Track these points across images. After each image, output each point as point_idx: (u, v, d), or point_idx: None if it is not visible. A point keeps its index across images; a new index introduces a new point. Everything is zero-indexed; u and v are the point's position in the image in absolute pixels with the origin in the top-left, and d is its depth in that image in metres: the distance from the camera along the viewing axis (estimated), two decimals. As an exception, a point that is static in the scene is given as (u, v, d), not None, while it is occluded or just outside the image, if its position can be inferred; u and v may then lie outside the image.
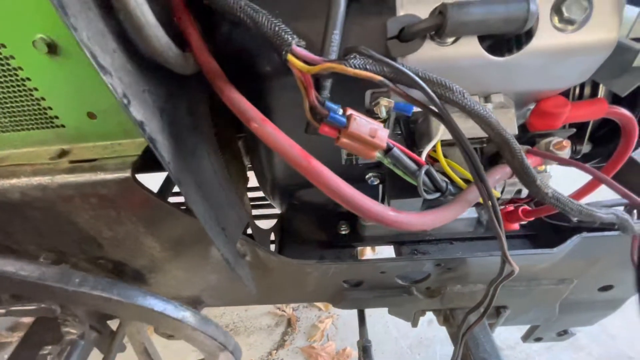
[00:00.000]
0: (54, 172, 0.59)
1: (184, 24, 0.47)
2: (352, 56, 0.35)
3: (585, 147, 0.78)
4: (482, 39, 0.42)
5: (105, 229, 0.69)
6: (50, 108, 0.58)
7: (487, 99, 0.48)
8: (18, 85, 0.55)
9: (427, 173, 0.46)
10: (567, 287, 0.87)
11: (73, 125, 0.60)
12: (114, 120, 0.59)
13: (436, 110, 0.35)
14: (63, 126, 0.61)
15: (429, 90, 0.34)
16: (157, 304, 0.43)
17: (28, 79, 0.54)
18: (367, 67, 0.35)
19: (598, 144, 0.78)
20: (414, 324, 1.00)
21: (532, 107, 0.56)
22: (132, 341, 0.74)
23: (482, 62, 0.42)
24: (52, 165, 0.61)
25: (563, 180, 0.72)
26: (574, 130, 0.55)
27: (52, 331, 0.83)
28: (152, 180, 0.72)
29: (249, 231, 0.97)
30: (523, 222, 0.86)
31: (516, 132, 0.50)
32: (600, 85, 0.61)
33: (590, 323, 1.04)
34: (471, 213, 0.93)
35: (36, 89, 0.56)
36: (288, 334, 1.70)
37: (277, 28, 0.36)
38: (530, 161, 0.51)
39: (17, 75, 0.54)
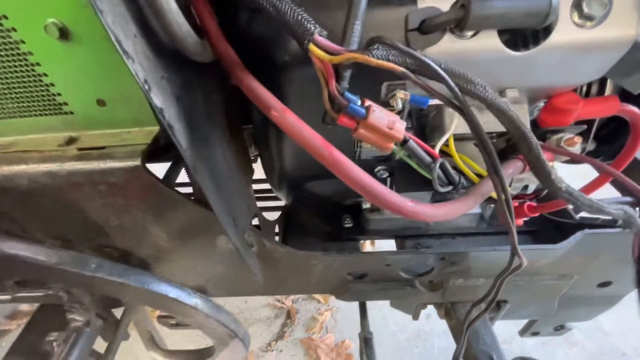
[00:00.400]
0: (62, 159, 0.59)
1: (201, 11, 0.47)
2: (375, 46, 0.35)
3: (590, 145, 0.80)
4: (499, 33, 0.43)
5: (112, 217, 0.69)
6: (59, 94, 0.58)
7: (501, 93, 0.48)
8: (27, 70, 0.54)
9: (441, 166, 0.47)
10: (567, 282, 0.89)
11: (82, 112, 0.60)
12: (123, 108, 0.59)
13: (457, 103, 0.35)
14: (72, 113, 0.60)
15: (452, 83, 0.34)
16: (171, 291, 0.44)
17: (38, 64, 0.54)
18: (390, 57, 0.35)
19: (602, 142, 0.79)
20: (415, 316, 1.02)
21: (541, 104, 0.56)
22: (138, 329, 0.74)
23: (500, 56, 0.42)
24: (61, 152, 0.61)
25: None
26: (585, 126, 0.55)
27: (58, 318, 0.83)
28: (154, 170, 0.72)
29: (255, 222, 0.97)
30: (526, 218, 0.87)
31: (528, 127, 0.51)
32: (608, 82, 0.62)
33: (588, 318, 1.06)
34: (475, 209, 0.94)
35: (45, 75, 0.55)
36: (287, 326, 1.71)
37: (299, 17, 0.36)
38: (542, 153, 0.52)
39: (26, 60, 0.53)
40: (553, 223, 0.97)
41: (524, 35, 0.43)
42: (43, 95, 0.58)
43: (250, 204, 0.74)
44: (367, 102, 0.40)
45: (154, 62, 0.40)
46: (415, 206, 0.38)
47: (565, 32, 0.40)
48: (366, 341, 1.00)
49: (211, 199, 0.49)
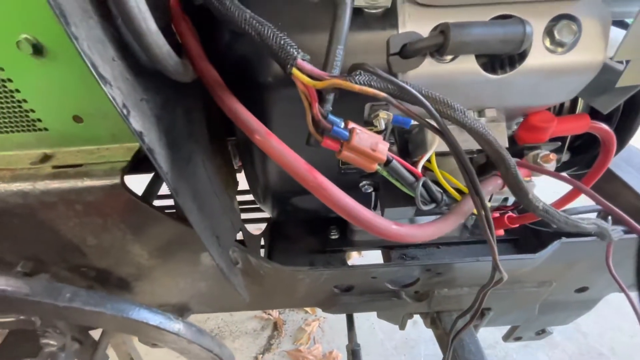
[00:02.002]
0: (35, 178, 0.57)
1: (182, 31, 0.46)
2: (357, 72, 0.35)
3: (565, 156, 0.83)
4: (477, 58, 0.44)
5: (90, 236, 0.67)
6: (32, 111, 0.56)
7: (480, 113, 0.50)
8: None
9: (424, 185, 0.47)
10: (547, 289, 0.91)
11: (57, 128, 0.58)
12: (101, 125, 0.57)
13: (437, 127, 0.36)
14: (46, 129, 0.58)
15: (432, 108, 0.35)
16: (152, 318, 0.42)
17: (9, 80, 0.52)
18: (372, 83, 0.36)
19: (576, 153, 0.82)
20: (402, 327, 1.02)
21: (519, 120, 0.58)
22: (117, 352, 0.72)
23: (478, 79, 0.43)
24: (34, 170, 0.58)
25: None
26: (559, 143, 0.58)
27: (30, 342, 0.79)
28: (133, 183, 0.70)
29: (240, 236, 0.96)
30: (510, 228, 0.89)
31: (507, 144, 0.52)
32: (579, 101, 0.65)
33: (566, 322, 1.09)
34: (458, 218, 0.95)
35: (18, 91, 0.53)
36: (274, 338, 1.69)
37: (282, 42, 0.36)
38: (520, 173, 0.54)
39: None
40: (533, 231, 1.00)
41: (501, 59, 0.45)
42: (15, 112, 0.56)
43: (234, 220, 0.73)
44: (351, 125, 0.40)
45: (133, 84, 0.39)
46: (399, 229, 0.38)
47: (539, 57, 0.42)
48: (354, 353, 1.00)
49: (193, 219, 0.48)
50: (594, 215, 0.81)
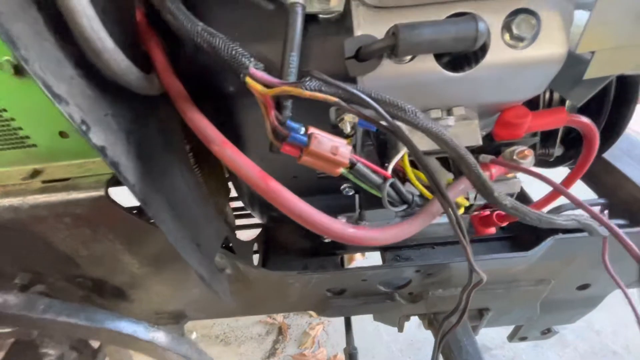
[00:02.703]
0: (25, 193, 0.59)
1: (149, 45, 0.47)
2: (307, 79, 0.36)
3: (558, 150, 0.81)
4: (441, 56, 0.44)
5: (81, 247, 0.68)
6: (20, 128, 0.58)
7: (449, 111, 0.49)
8: None
9: (393, 186, 0.47)
10: (546, 287, 0.89)
11: (45, 144, 0.60)
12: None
13: (391, 128, 0.36)
14: (35, 146, 0.60)
15: (382, 110, 0.35)
16: (125, 327, 0.43)
17: None
18: (323, 89, 0.36)
19: (570, 146, 0.80)
20: (400, 329, 1.01)
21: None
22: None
23: (440, 77, 0.43)
24: (24, 185, 0.60)
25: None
26: (538, 139, 0.56)
27: (32, 352, 0.81)
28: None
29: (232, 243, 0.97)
30: (501, 226, 0.87)
31: (480, 142, 0.51)
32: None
33: (572, 321, 1.06)
34: (450, 218, 0.94)
35: (5, 110, 0.55)
36: (279, 342, 1.69)
37: (234, 52, 0.37)
38: (495, 170, 0.53)
39: None
40: (530, 228, 0.97)
41: (466, 56, 0.44)
42: (4, 130, 0.58)
43: (219, 228, 0.73)
44: (311, 130, 0.41)
45: (96, 100, 0.41)
46: (356, 232, 0.38)
47: (499, 53, 0.42)
48: (351, 356, 0.99)
49: (165, 229, 0.49)
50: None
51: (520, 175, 0.62)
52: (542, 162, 0.90)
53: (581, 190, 0.99)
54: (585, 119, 0.54)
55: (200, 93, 0.47)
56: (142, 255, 0.73)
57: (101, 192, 0.57)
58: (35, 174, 0.63)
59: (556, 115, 0.53)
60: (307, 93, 0.35)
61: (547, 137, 0.80)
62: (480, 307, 0.95)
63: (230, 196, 1.02)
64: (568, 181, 0.62)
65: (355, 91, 0.34)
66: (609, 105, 0.67)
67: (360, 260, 1.93)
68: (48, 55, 0.34)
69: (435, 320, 0.96)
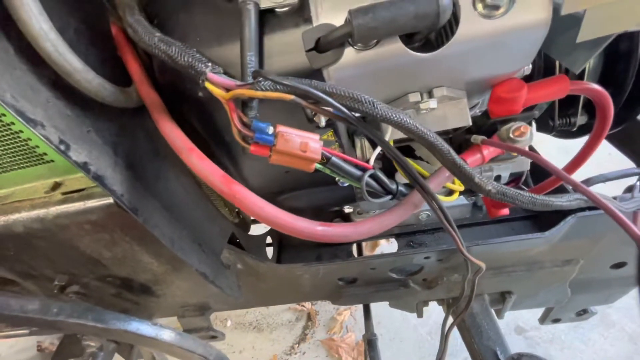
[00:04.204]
0: (49, 205, 0.65)
1: (126, 58, 0.49)
2: (260, 79, 0.35)
3: (581, 119, 0.73)
4: (411, 36, 0.41)
5: (104, 250, 0.74)
6: (37, 147, 0.63)
7: (430, 93, 0.46)
8: (6, 130, 0.60)
9: (374, 177, 0.45)
10: (574, 267, 0.83)
11: (60, 159, 0.65)
12: (94, 152, 0.63)
13: (351, 121, 0.35)
14: (52, 161, 0.65)
15: (337, 104, 0.33)
16: (130, 325, 0.47)
17: (12, 122, 0.59)
18: (278, 87, 0.35)
19: (594, 114, 0.72)
20: (419, 314, 0.99)
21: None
22: (142, 350, 0.80)
23: (409, 59, 0.40)
24: (47, 198, 0.66)
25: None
26: (536, 113, 0.51)
27: (76, 344, 0.91)
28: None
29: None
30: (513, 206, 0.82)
31: (469, 122, 0.48)
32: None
33: (610, 301, 0.98)
34: (463, 200, 0.89)
35: (21, 131, 0.60)
36: (309, 328, 1.74)
37: (190, 59, 0.37)
38: (488, 151, 0.49)
39: (2, 121, 0.59)
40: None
41: (440, 34, 0.41)
42: (24, 150, 0.63)
43: (223, 225, 0.76)
44: (279, 128, 0.40)
45: (75, 119, 0.43)
46: (325, 229, 0.37)
47: (473, 25, 0.38)
48: (370, 343, 1.00)
49: (159, 233, 0.51)
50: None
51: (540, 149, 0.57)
52: (563, 132, 0.82)
53: (620, 159, 0.90)
54: (593, 85, 0.48)
55: (176, 100, 0.48)
56: (158, 255, 0.78)
57: (111, 200, 0.61)
58: (56, 186, 0.69)
59: (558, 84, 0.47)
60: (260, 93, 0.34)
61: (569, 105, 0.72)
62: (502, 291, 0.91)
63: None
64: (582, 155, 0.57)
65: (305, 87, 0.33)
66: (630, 79, 0.59)
67: (385, 245, 1.92)
68: (19, 82, 0.36)
69: (454, 305, 0.94)
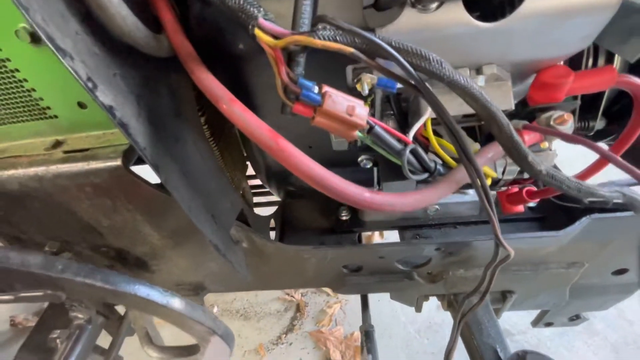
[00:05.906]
0: (48, 163, 0.60)
1: (158, 5, 0.45)
2: (320, 27, 0.33)
3: (599, 123, 0.73)
4: (472, 5, 0.39)
5: (103, 217, 0.70)
6: (41, 99, 0.58)
7: (478, 70, 0.44)
8: (8, 77, 0.55)
9: (414, 152, 0.44)
10: (578, 271, 0.83)
11: (65, 115, 0.61)
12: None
13: (413, 82, 0.33)
14: (56, 117, 0.61)
15: (403, 61, 0.31)
16: (140, 290, 0.44)
17: (17, 69, 0.54)
18: (338, 38, 0.33)
19: (613, 119, 0.72)
20: (418, 309, 0.99)
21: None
22: (134, 325, 0.76)
23: (469, 29, 0.38)
24: (47, 156, 0.62)
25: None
26: (579, 102, 0.50)
27: (63, 316, 0.86)
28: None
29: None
30: (530, 205, 0.81)
31: (512, 106, 0.47)
32: (616, 55, 0.56)
33: (604, 308, 1.00)
34: (474, 196, 0.89)
35: (26, 80, 0.56)
36: (297, 319, 1.72)
37: (242, 1, 0.34)
38: (529, 137, 0.48)
39: (6, 66, 0.54)
40: (562, 208, 0.91)
41: (501, 5, 0.39)
42: (27, 101, 0.59)
43: (234, 201, 0.73)
44: (325, 88, 0.38)
45: (104, 58, 0.39)
46: (373, 196, 0.35)
47: (541, -4, 0.36)
48: (367, 334, 0.98)
49: (178, 196, 0.48)
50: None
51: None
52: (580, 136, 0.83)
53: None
54: (639, 80, 0.48)
55: (211, 55, 0.45)
56: (161, 227, 0.74)
57: (118, 162, 0.57)
58: (57, 144, 0.64)
59: (604, 74, 0.46)
60: (319, 42, 0.32)
61: (588, 109, 0.72)
62: (504, 290, 0.91)
63: (247, 174, 1.01)
64: (613, 152, 0.56)
65: (373, 38, 0.31)
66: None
67: (379, 240, 1.91)
68: (51, 7, 0.33)
69: (455, 301, 0.93)
